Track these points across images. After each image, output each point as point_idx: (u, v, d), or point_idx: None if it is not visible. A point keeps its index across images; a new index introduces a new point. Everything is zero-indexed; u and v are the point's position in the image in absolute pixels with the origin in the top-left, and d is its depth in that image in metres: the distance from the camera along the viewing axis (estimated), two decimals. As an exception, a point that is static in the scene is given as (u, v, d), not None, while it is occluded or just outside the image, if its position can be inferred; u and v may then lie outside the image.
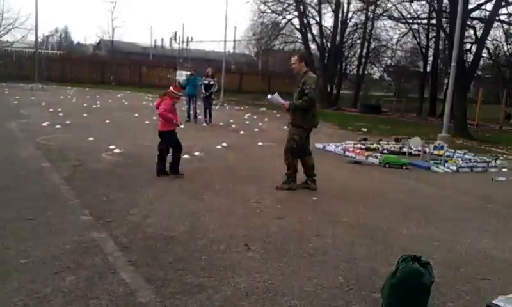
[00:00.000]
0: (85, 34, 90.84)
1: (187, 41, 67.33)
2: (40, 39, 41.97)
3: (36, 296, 3.38)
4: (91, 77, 38.52)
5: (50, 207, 5.46)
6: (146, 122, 14.97)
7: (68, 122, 13.26)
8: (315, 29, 35.15)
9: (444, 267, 4.44)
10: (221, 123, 16.55)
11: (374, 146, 12.59)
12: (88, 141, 10.28)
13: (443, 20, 25.09)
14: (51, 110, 16.48)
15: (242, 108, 26.01)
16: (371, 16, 34.04)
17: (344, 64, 38.32)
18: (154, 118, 15.20)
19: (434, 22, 29.54)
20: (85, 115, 15.80)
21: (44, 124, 12.51)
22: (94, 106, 19.56)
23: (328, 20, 63.48)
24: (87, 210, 5.44)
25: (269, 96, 7.55)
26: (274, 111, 22.58)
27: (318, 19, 34.56)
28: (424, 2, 29.46)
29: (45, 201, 5.70)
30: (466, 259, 4.77)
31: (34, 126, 12.09)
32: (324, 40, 35.27)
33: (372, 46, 37.06)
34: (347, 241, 5.02)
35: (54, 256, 4.10)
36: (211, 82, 16.34)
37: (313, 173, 7.40)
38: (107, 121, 14.34)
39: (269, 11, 35.04)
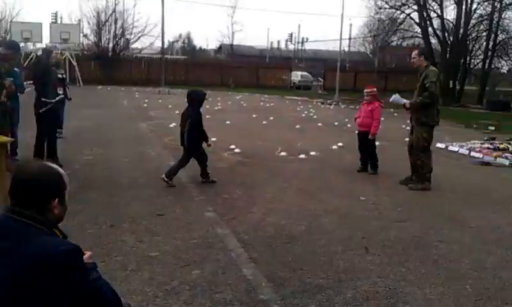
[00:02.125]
0: (207, 39, 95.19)
1: (303, 42, 67.82)
2: (165, 46, 44.74)
3: (165, 288, 3.63)
4: (212, 80, 40.29)
5: (178, 204, 5.82)
6: (264, 122, 15.32)
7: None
8: (435, 23, 33.49)
9: None
10: (335, 123, 16.41)
11: (504, 145, 11.65)
12: (210, 141, 10.73)
13: None
14: (177, 112, 17.41)
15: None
16: (498, 6, 31.56)
17: (467, 59, 35.94)
18: (271, 118, 15.54)
19: None
20: (208, 116, 16.45)
21: (171, 125, 13.31)
22: (215, 108, 20.41)
23: (450, 13, 60.06)
24: (211, 207, 5.72)
25: (392, 97, 7.46)
26: (392, 109, 21.84)
27: (439, 12, 32.86)
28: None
29: (173, 198, 6.10)
30: None
31: (161, 128, 12.95)
32: (446, 34, 33.43)
33: (500, 38, 34.28)
34: (474, 248, 4.73)
35: (181, 250, 4.37)
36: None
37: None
38: (227, 121, 14.88)
39: (386, 6, 34.08)
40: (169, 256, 4.23)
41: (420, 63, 7.04)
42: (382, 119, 8.46)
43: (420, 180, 7.05)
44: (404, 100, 7.19)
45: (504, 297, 3.66)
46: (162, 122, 14.12)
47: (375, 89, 8.35)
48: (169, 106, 19.79)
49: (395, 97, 7.32)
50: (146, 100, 22.19)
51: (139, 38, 40.43)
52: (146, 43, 42.51)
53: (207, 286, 3.67)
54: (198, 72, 40.39)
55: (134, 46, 42.32)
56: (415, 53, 7.22)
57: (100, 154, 8.72)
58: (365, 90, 8.39)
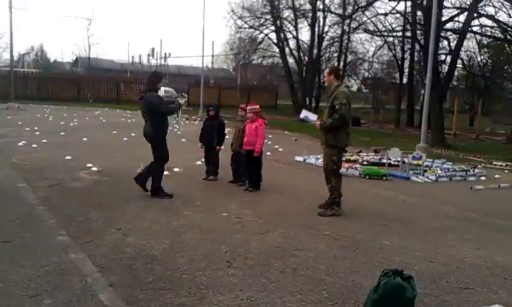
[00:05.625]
0: (61, 52, 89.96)
1: (165, 57, 67.30)
2: (15, 58, 41.42)
3: (11, 322, 3.27)
4: (68, 95, 38.14)
5: (27, 229, 5.32)
6: (125, 139, 14.81)
7: (44, 141, 13.04)
8: (292, 43, 35.60)
9: (427, 278, 4.43)
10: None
11: (354, 157, 12.64)
12: (65, 160, 10.10)
13: (418, 32, 25.54)
14: (27, 129, 16.22)
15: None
16: (347, 29, 34.54)
17: (321, 77, 38.66)
18: (133, 134, 15.09)
19: (408, 34, 30.06)
20: (62, 133, 15.59)
21: (20, 143, 12.28)
22: (71, 124, 19.33)
23: (305, 34, 64.10)
24: (64, 231, 5.31)
25: (302, 114, 7.13)
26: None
27: (295, 33, 35.03)
28: (398, 15, 30.02)
29: (21, 222, 5.56)
30: (449, 269, 4.77)
31: (9, 146, 11.85)
32: (302, 54, 35.68)
33: (349, 59, 37.57)
34: (329, 254, 4.99)
35: (30, 279, 3.97)
36: None
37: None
38: (84, 138, 14.15)
39: (246, 26, 35.38)
40: (16, 286, 3.82)
41: (330, 82, 6.78)
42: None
43: (329, 205, 6.76)
44: (315, 120, 6.98)
45: (356, 299, 3.88)
46: (11, 140, 12.94)
47: (257, 106, 8.32)
48: (19, 123, 18.34)
49: (306, 114, 7.10)
50: (-7, 117, 20.27)
51: (-16, 49, 36.97)
52: (-8, 55, 39.00)
53: (58, 317, 3.36)
54: (53, 86, 38.07)
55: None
56: (325, 72, 7.04)
57: None
58: (248, 107, 8.37)
